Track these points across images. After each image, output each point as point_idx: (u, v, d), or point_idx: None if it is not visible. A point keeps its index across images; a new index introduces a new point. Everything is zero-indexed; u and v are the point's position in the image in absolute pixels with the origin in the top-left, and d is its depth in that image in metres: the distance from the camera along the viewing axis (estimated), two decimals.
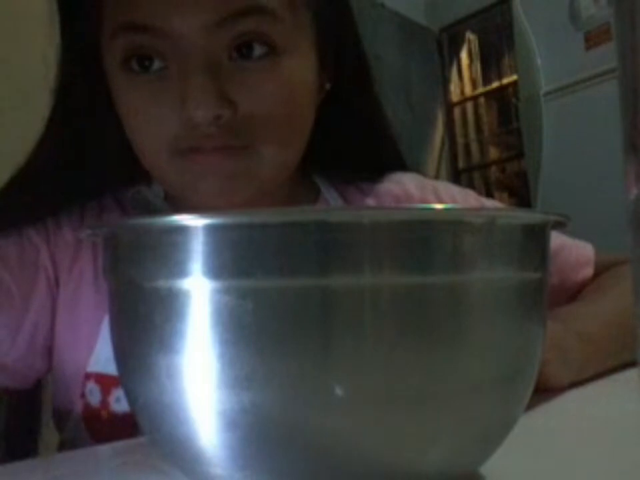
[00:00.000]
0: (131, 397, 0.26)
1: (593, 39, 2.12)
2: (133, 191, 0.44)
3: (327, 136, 0.59)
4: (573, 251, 0.68)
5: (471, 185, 3.40)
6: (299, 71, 0.51)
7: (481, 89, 3.38)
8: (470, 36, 3.40)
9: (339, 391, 0.20)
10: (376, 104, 0.64)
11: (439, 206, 0.23)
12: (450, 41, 3.40)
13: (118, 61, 0.48)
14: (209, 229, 0.21)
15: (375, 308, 0.21)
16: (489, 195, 3.31)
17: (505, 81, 3.20)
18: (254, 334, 0.21)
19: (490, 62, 3.34)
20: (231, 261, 0.21)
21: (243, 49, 0.48)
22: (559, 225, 0.27)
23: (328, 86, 0.57)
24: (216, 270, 0.21)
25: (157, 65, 0.48)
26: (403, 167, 0.68)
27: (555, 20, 2.23)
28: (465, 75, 3.42)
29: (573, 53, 2.18)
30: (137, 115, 0.50)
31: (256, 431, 0.22)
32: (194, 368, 0.22)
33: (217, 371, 0.21)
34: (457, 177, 3.40)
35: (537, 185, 2.32)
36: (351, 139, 0.63)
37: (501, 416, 0.25)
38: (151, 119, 0.49)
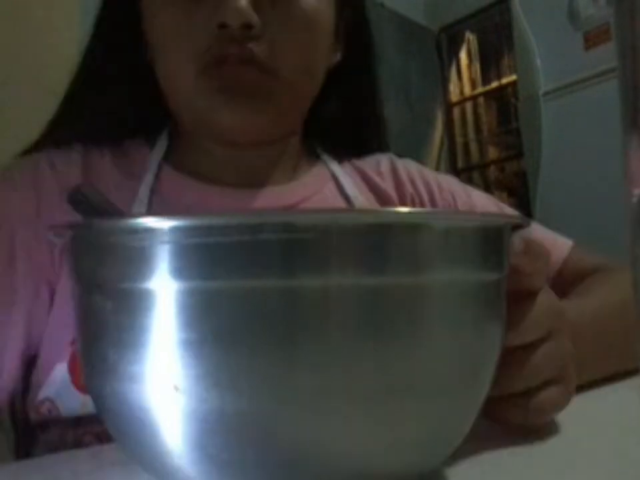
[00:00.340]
0: (97, 401, 0.26)
1: (592, 39, 2.12)
2: (71, 190, 0.43)
3: (324, 108, 0.61)
4: (546, 237, 0.68)
5: (470, 185, 3.40)
6: (324, 6, 0.55)
7: (480, 89, 3.38)
8: (469, 36, 3.40)
9: (303, 390, 0.21)
10: (375, 84, 0.67)
11: (401, 209, 0.24)
12: (449, 41, 3.40)
13: None
14: (174, 231, 0.21)
15: (336, 308, 0.21)
16: (488, 194, 3.31)
17: (504, 80, 3.20)
18: (218, 334, 0.21)
19: (489, 62, 3.34)
20: (196, 262, 0.21)
21: None
22: (519, 227, 0.28)
23: (338, 56, 0.60)
24: (181, 271, 0.21)
25: None
26: (387, 149, 0.71)
27: (555, 20, 2.23)
28: (464, 75, 3.42)
29: (572, 52, 2.18)
30: (170, 30, 0.51)
31: (221, 430, 0.22)
32: (159, 368, 0.22)
33: (181, 371, 0.21)
34: (456, 176, 3.40)
35: (536, 184, 2.33)
36: (347, 115, 0.66)
37: (459, 415, 0.25)
38: (184, 33, 0.50)
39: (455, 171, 3.41)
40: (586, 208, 2.07)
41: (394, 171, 0.67)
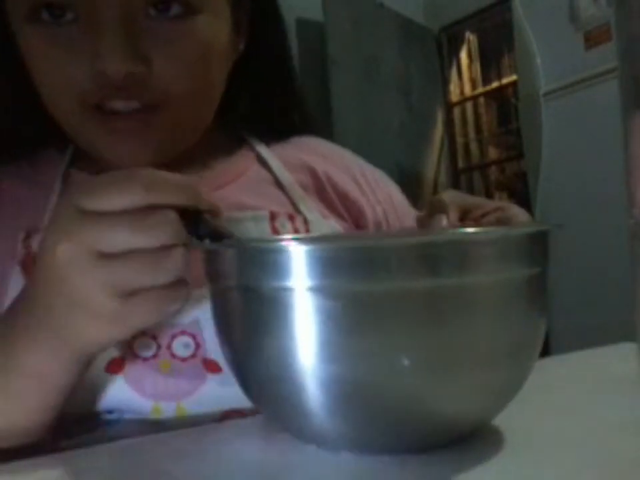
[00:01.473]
0: (248, 376, 0.34)
1: (592, 39, 2.12)
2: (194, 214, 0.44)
3: (242, 93, 0.60)
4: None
5: (470, 185, 3.41)
6: (214, 30, 0.51)
7: (480, 89, 3.38)
8: (469, 36, 3.41)
9: (405, 361, 0.29)
10: (286, 63, 0.65)
11: (458, 230, 0.33)
12: (449, 41, 3.40)
13: (26, 10, 0.47)
14: (308, 252, 0.29)
15: (429, 304, 0.29)
16: (489, 195, 3.32)
17: (505, 80, 3.20)
18: (342, 325, 0.29)
19: (489, 62, 3.34)
20: (328, 272, 0.29)
21: (159, 6, 0.48)
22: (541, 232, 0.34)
23: (241, 47, 0.58)
24: (314, 278, 0.29)
25: (68, 16, 0.47)
26: (311, 132, 0.69)
27: (555, 20, 2.23)
28: (465, 75, 3.42)
29: (572, 52, 2.18)
30: (46, 68, 0.48)
31: (354, 395, 0.30)
32: (300, 349, 0.30)
33: (314, 350, 0.29)
34: (456, 176, 3.40)
35: (537, 185, 2.33)
36: (263, 99, 0.64)
37: (508, 382, 0.33)
38: (61, 73, 0.48)
39: (455, 171, 3.41)
40: (586, 208, 2.07)
41: (322, 152, 0.66)
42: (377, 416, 0.30)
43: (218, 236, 0.36)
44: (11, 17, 0.49)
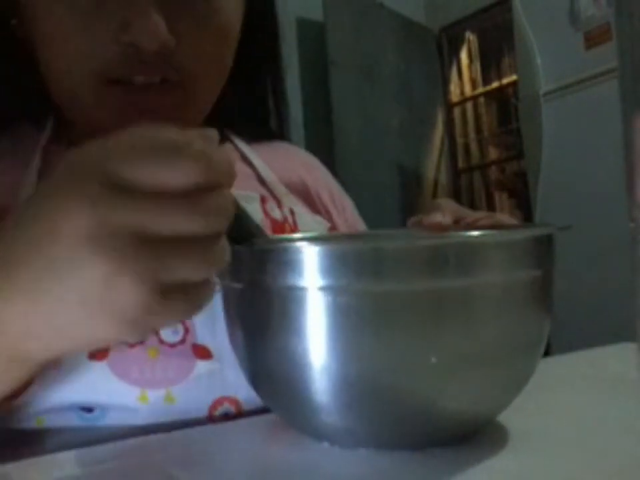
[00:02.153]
0: (260, 374, 0.34)
1: (592, 39, 2.12)
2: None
3: (229, 89, 0.59)
4: None
5: (470, 185, 3.41)
6: (236, 14, 0.52)
7: (480, 89, 3.38)
8: (470, 36, 3.40)
9: (414, 359, 0.30)
10: (276, 63, 0.65)
11: (471, 233, 0.32)
12: (450, 41, 3.40)
13: None
14: (321, 252, 0.30)
15: (438, 304, 0.30)
16: (489, 195, 3.32)
17: (505, 81, 3.20)
18: (353, 323, 0.30)
19: (490, 62, 3.34)
20: (343, 270, 0.30)
21: None
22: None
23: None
24: (330, 277, 0.30)
25: None
26: (287, 136, 0.70)
27: (555, 20, 2.23)
28: (465, 75, 3.42)
29: (572, 52, 2.18)
30: (65, 36, 0.46)
31: (355, 391, 0.31)
32: (312, 347, 0.30)
33: (332, 348, 0.30)
34: (456, 176, 3.40)
35: (537, 185, 2.32)
36: (250, 98, 0.64)
37: (512, 379, 0.34)
38: (81, 43, 0.45)
39: (455, 171, 3.41)
40: (586, 208, 2.07)
41: (306, 165, 0.67)
42: (387, 413, 0.31)
43: (249, 235, 0.34)
44: None
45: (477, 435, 0.34)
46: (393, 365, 0.30)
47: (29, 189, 0.48)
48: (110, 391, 0.43)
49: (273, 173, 0.61)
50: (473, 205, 3.30)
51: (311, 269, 0.30)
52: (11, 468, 0.34)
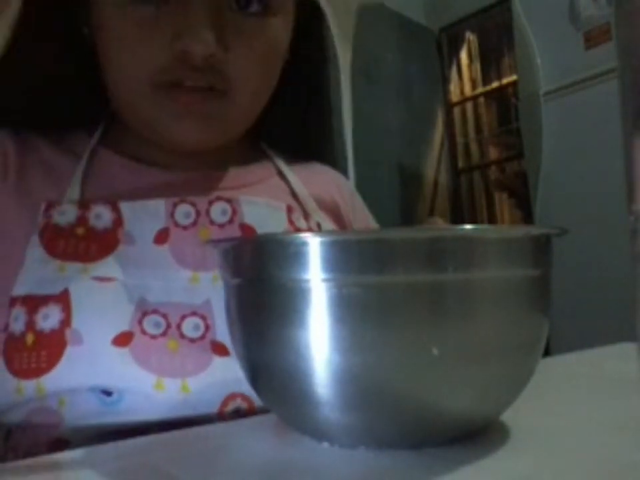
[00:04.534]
0: (259, 370, 0.34)
1: (592, 39, 2.12)
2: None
3: (271, 109, 0.62)
4: None
5: (470, 185, 3.40)
6: (283, 32, 0.55)
7: (480, 89, 3.38)
8: (470, 36, 3.40)
9: (435, 351, 0.30)
10: (324, 87, 0.69)
11: (466, 226, 0.32)
12: (449, 41, 3.40)
13: None
14: (324, 244, 0.30)
15: (439, 297, 0.30)
16: (489, 195, 3.31)
17: (505, 80, 3.19)
18: (354, 317, 0.30)
19: (490, 62, 3.33)
20: (346, 262, 0.30)
21: (241, 2, 0.52)
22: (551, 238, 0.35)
23: (286, 56, 0.61)
24: (332, 269, 0.30)
25: None
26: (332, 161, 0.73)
27: (555, 20, 2.23)
28: (465, 75, 3.42)
29: (572, 53, 2.18)
30: (123, 44, 0.51)
31: (357, 386, 0.31)
32: (319, 339, 0.30)
33: (335, 340, 0.30)
34: (456, 176, 3.40)
35: (537, 185, 2.32)
36: (291, 117, 0.69)
37: (512, 378, 0.34)
38: (139, 50, 0.50)
39: (455, 171, 3.40)
40: (586, 208, 2.07)
41: (338, 185, 0.69)
42: (389, 406, 0.31)
43: None
44: None
45: (477, 435, 0.34)
46: (396, 357, 0.30)
47: (75, 187, 0.53)
48: (129, 376, 0.46)
49: (305, 189, 0.64)
50: (473, 205, 3.30)
51: (314, 260, 0.30)
52: (11, 468, 0.34)
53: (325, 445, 0.34)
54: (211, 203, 0.55)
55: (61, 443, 0.46)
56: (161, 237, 0.52)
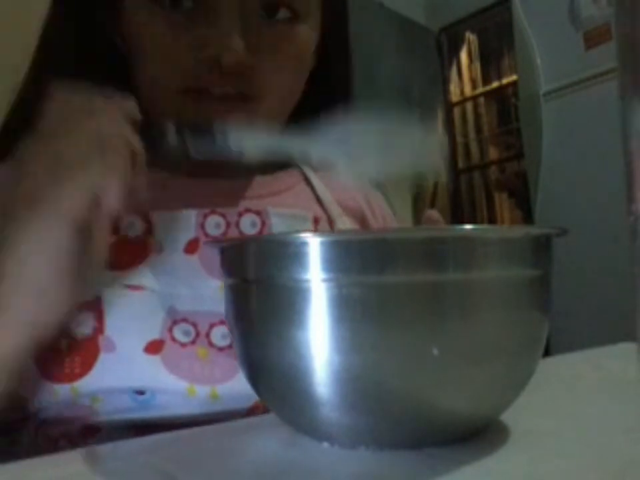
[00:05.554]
0: (260, 367, 0.34)
1: (592, 39, 2.12)
2: None
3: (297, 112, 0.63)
4: None
5: (470, 185, 3.40)
6: (309, 38, 0.56)
7: (480, 89, 3.38)
8: (470, 36, 3.40)
9: (435, 351, 0.29)
10: (346, 99, 0.67)
11: (466, 226, 0.32)
12: (449, 41, 3.40)
13: None
14: (324, 244, 0.30)
15: (438, 297, 0.30)
16: (489, 194, 3.31)
17: (505, 80, 3.19)
18: (353, 317, 0.30)
19: (490, 62, 3.33)
20: (346, 262, 0.30)
21: (268, 10, 0.52)
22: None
23: (313, 63, 0.61)
24: (331, 269, 0.30)
25: (186, 4, 0.51)
26: None
27: (555, 20, 2.23)
28: (465, 75, 3.42)
29: (572, 53, 2.18)
30: (156, 50, 0.52)
31: (357, 386, 0.31)
32: (319, 339, 0.30)
33: (335, 340, 0.30)
34: (456, 176, 3.40)
35: (537, 185, 2.32)
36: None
37: (512, 377, 0.34)
38: (169, 54, 0.51)
39: (455, 171, 3.40)
40: (586, 208, 2.07)
41: (365, 197, 0.69)
42: (389, 406, 0.31)
43: None
44: (127, 1, 0.53)
45: (477, 435, 0.34)
46: (396, 357, 0.30)
47: None
48: (161, 382, 0.47)
49: (330, 194, 0.64)
50: (473, 205, 3.30)
51: (314, 261, 0.30)
52: (12, 467, 0.34)
53: (325, 444, 0.34)
54: (240, 214, 0.57)
55: (93, 430, 0.48)
56: (191, 246, 0.53)
